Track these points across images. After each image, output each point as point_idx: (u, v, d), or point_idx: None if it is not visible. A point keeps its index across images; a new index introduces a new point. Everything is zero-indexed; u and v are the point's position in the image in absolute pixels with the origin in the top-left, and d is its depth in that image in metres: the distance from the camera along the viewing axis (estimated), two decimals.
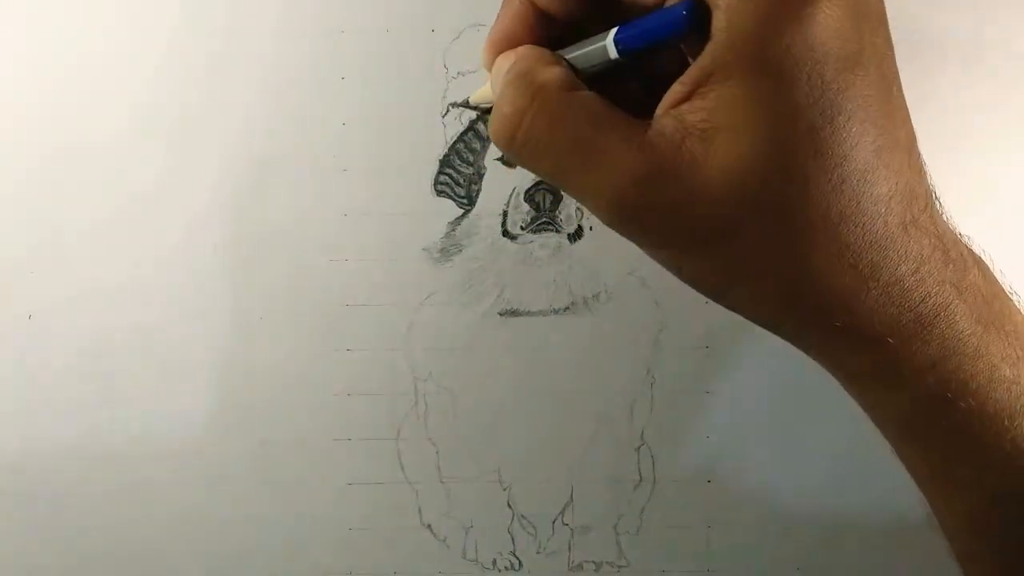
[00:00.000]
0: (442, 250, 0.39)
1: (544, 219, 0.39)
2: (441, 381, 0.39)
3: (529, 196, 0.38)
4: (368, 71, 0.38)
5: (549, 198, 0.38)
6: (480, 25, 0.38)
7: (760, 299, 0.23)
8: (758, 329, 0.38)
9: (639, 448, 0.39)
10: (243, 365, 0.39)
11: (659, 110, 0.22)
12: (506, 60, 0.26)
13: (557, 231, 0.39)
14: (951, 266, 0.22)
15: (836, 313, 0.22)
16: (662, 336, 0.39)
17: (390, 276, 0.39)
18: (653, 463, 0.39)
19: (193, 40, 0.38)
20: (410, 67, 0.38)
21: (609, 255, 0.39)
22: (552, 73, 0.24)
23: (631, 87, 0.24)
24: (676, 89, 0.22)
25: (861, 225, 0.21)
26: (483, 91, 0.36)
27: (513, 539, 0.39)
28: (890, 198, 0.21)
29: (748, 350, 0.38)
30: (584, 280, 0.39)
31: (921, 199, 0.22)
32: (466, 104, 0.38)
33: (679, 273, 0.25)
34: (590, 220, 0.38)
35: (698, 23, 0.20)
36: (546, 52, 0.25)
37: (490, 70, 0.28)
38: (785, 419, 0.38)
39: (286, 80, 0.38)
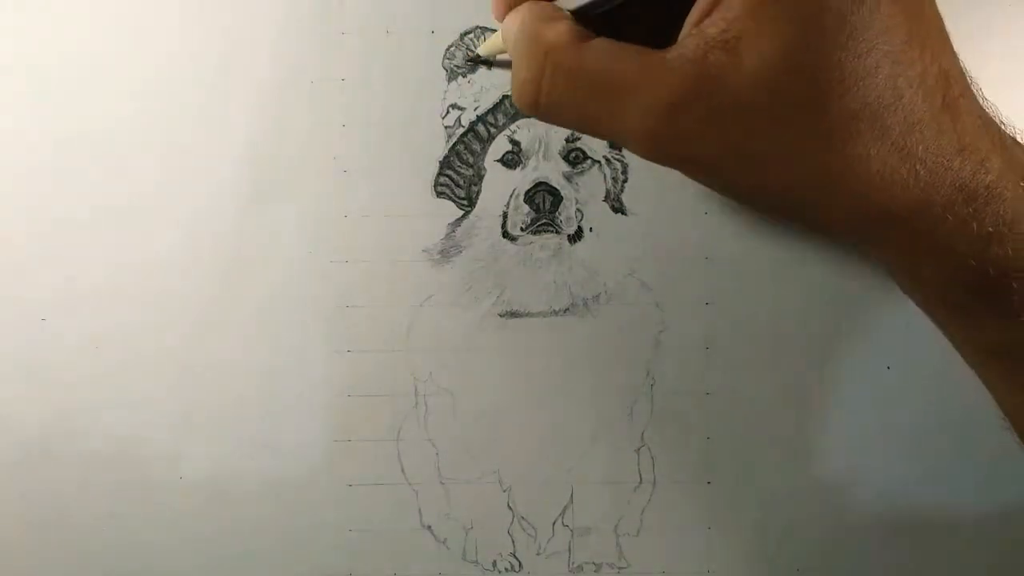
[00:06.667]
0: (442, 251, 0.39)
1: (544, 220, 0.39)
2: (441, 382, 0.39)
3: (529, 197, 0.39)
4: (368, 72, 0.38)
5: (549, 199, 0.39)
6: (480, 27, 0.38)
7: (807, 188, 0.22)
8: (758, 330, 0.38)
9: (639, 449, 0.39)
10: (242, 366, 0.39)
11: (682, 32, 0.22)
12: (513, 20, 0.25)
13: (557, 232, 0.39)
14: (998, 146, 0.22)
15: (879, 194, 0.21)
16: (662, 337, 0.39)
17: (390, 277, 0.39)
18: (653, 464, 0.39)
19: (193, 40, 0.38)
20: (410, 69, 0.38)
21: (609, 256, 0.39)
22: (558, 30, 0.23)
23: (643, 29, 0.24)
24: (697, 6, 0.21)
25: (901, 108, 0.21)
26: (491, 41, 0.36)
27: (513, 540, 0.39)
28: (926, 79, 0.21)
29: (748, 350, 0.38)
30: (584, 281, 0.39)
31: (958, 81, 0.22)
32: (477, 58, 0.37)
33: (730, 192, 0.24)
34: (590, 221, 0.39)
35: None
36: (548, 6, 0.24)
37: (501, 21, 0.27)
38: (785, 420, 0.38)
39: (286, 81, 0.38)
